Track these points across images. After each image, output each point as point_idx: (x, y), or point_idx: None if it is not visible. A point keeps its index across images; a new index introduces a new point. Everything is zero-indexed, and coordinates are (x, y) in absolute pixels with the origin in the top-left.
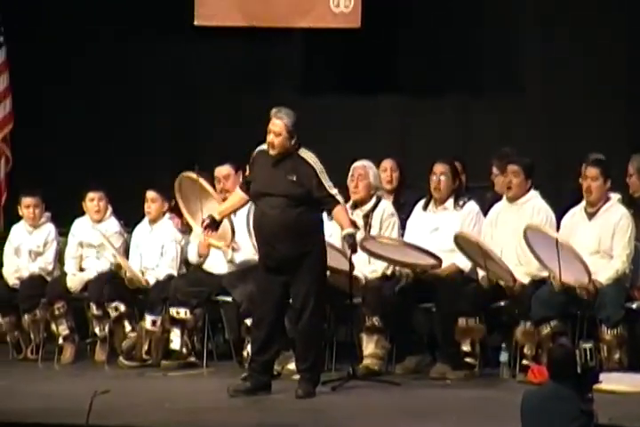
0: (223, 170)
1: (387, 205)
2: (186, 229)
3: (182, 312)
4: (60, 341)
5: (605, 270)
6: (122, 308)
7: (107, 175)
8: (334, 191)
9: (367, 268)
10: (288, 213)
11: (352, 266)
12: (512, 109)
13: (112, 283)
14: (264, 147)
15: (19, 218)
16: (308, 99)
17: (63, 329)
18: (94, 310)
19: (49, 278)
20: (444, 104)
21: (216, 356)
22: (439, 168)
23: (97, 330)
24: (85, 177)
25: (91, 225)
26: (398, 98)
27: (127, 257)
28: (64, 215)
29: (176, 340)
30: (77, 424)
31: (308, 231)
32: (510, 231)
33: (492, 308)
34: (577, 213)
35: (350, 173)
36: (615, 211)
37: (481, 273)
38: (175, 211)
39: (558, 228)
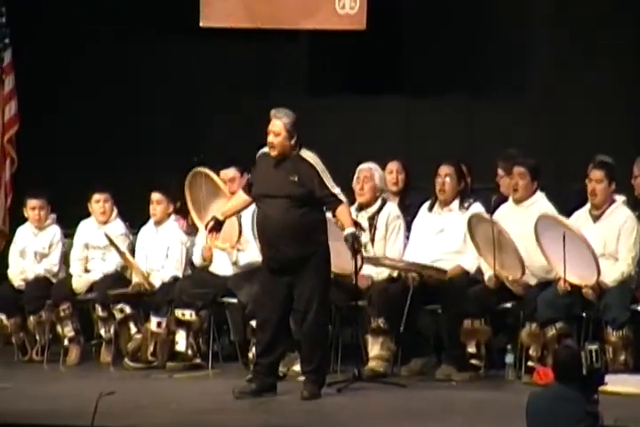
0: (229, 173)
1: (392, 208)
2: (191, 231)
3: (188, 314)
4: (66, 342)
5: (611, 273)
6: (127, 309)
7: (112, 176)
8: (336, 190)
9: (373, 269)
10: (291, 213)
11: (357, 267)
12: (517, 110)
13: (117, 285)
14: (266, 149)
15: (24, 220)
16: (313, 100)
17: (68, 331)
18: (100, 311)
19: (54, 280)
20: (449, 105)
21: (221, 357)
22: (444, 170)
23: (102, 332)
24: (91, 178)
25: (96, 227)
26: (403, 99)
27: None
28: (69, 217)
29: (181, 341)
30: (83, 426)
31: (311, 232)
32: (516, 234)
33: (497, 309)
34: (582, 216)
35: (356, 176)
36: (620, 213)
37: (486, 274)
38: (180, 212)
39: None
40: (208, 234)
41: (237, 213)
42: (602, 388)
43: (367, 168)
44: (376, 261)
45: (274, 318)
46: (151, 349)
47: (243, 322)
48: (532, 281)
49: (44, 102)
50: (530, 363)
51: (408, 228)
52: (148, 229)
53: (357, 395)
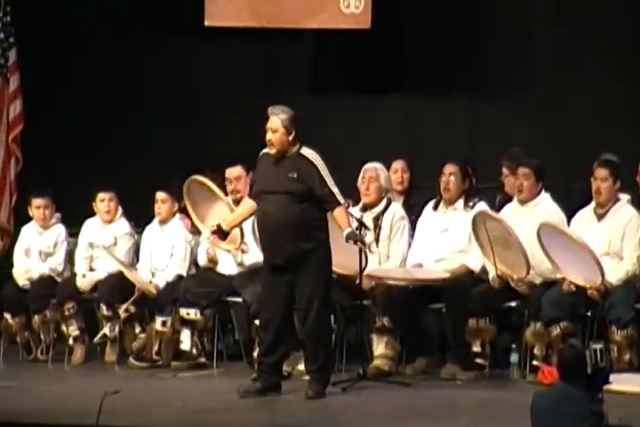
0: (234, 171)
1: (397, 208)
2: (196, 230)
3: (192, 313)
4: (71, 341)
5: (615, 272)
6: (132, 308)
7: (113, 176)
8: (335, 190)
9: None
10: (290, 210)
11: (362, 266)
12: (521, 109)
13: (122, 284)
14: (267, 149)
15: (29, 219)
16: (317, 99)
17: (73, 330)
18: (104, 310)
19: (59, 279)
20: (453, 104)
21: (226, 356)
22: (449, 169)
23: (107, 331)
24: (96, 178)
25: (101, 226)
26: (407, 98)
27: (137, 258)
28: (74, 216)
29: (186, 340)
30: (87, 425)
31: (311, 228)
32: (522, 235)
33: (502, 308)
34: (586, 215)
35: (361, 176)
36: (625, 212)
37: (491, 273)
38: (185, 211)
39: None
40: (212, 238)
41: (244, 221)
42: (606, 387)
43: (372, 168)
44: (379, 280)
45: (276, 318)
46: (156, 348)
47: (247, 321)
48: (537, 280)
49: (44, 102)
50: (535, 362)
51: (413, 227)
52: (152, 229)
53: (362, 394)
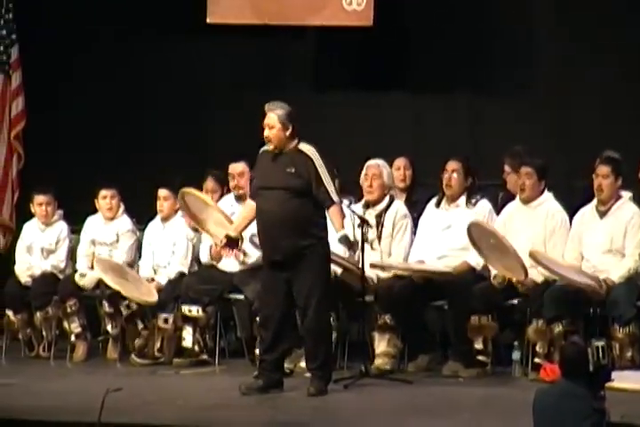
0: (238, 167)
1: (400, 206)
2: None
3: (194, 310)
4: (73, 338)
5: (617, 269)
6: (134, 305)
7: (115, 173)
8: (331, 188)
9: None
10: (288, 205)
11: (362, 266)
12: (524, 106)
13: None
14: (266, 147)
15: (31, 216)
16: (320, 96)
17: (75, 327)
18: (106, 307)
19: (61, 276)
20: (455, 101)
21: (228, 354)
22: (451, 165)
23: (109, 328)
24: (98, 175)
25: (103, 223)
26: (410, 95)
27: (139, 255)
28: (76, 213)
29: (188, 338)
30: (89, 422)
31: (308, 224)
32: (523, 236)
33: (504, 306)
34: (588, 212)
35: (364, 173)
36: (627, 209)
37: (493, 272)
38: None
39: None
40: (226, 251)
41: (250, 223)
42: (608, 384)
43: (375, 165)
44: (383, 269)
45: (276, 315)
46: (158, 345)
47: (249, 318)
48: (539, 278)
49: (47, 99)
50: (536, 360)
51: (415, 224)
52: (154, 226)
53: (364, 391)
